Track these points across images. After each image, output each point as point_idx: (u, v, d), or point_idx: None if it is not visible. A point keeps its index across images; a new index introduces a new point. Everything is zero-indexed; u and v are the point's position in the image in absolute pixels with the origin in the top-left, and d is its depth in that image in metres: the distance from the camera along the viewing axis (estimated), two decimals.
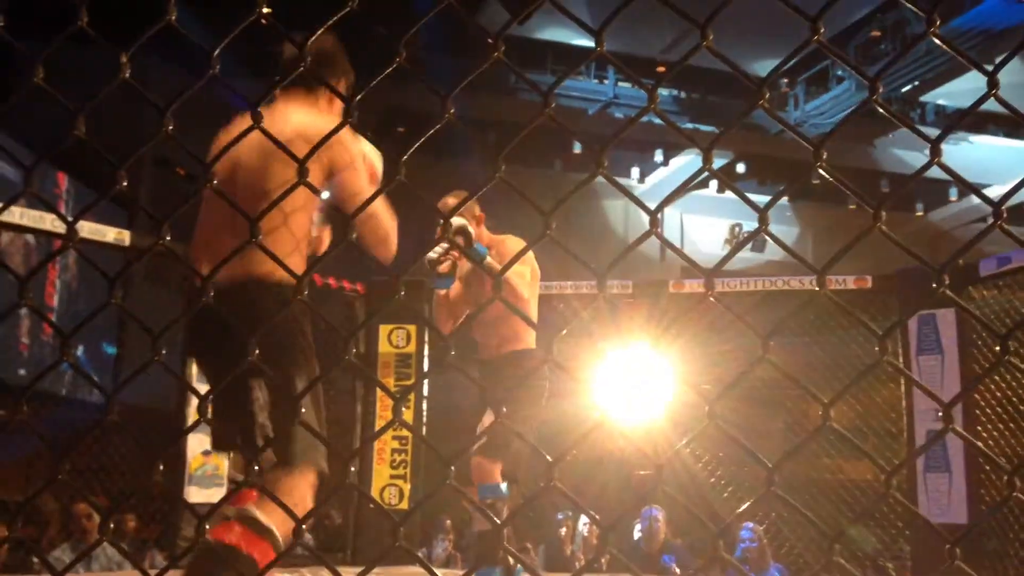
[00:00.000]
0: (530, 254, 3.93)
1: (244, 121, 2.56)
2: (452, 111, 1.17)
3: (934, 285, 1.00)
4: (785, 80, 14.92)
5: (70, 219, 1.21)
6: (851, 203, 14.65)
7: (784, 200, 14.85)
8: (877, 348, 0.99)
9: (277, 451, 2.26)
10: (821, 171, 1.05)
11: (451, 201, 3.79)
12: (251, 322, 2.24)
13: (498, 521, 3.62)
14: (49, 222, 5.69)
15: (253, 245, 2.47)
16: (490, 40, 1.10)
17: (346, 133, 2.45)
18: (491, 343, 3.97)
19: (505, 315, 3.79)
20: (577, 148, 14.10)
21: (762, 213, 1.08)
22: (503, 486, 3.75)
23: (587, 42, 12.77)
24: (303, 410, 2.28)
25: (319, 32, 1.26)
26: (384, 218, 2.53)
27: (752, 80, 0.99)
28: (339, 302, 7.07)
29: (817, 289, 1.06)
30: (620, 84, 14.77)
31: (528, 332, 3.96)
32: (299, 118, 2.52)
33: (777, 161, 14.33)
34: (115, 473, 6.13)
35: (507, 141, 1.22)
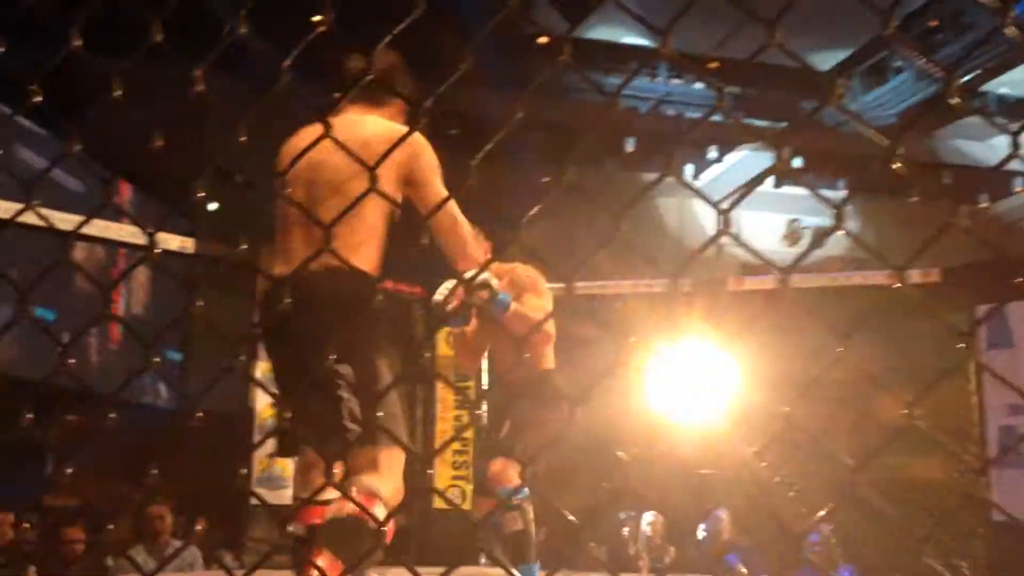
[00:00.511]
0: (542, 282, 4.05)
1: (314, 129, 2.66)
2: (520, 114, 1.18)
3: (1018, 279, 0.98)
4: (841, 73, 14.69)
5: (149, 231, 1.24)
6: (914, 196, 14.37)
7: (844, 194, 14.61)
8: (962, 345, 0.98)
9: (367, 431, 2.35)
10: (894, 167, 1.04)
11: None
12: (329, 310, 2.32)
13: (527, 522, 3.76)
14: (115, 232, 5.82)
15: (330, 244, 2.47)
16: (537, 40, 1.10)
17: (427, 145, 2.65)
18: (512, 366, 4.12)
19: (525, 340, 3.89)
20: (630, 146, 14.02)
21: (839, 209, 1.07)
22: (524, 489, 3.85)
23: (638, 40, 12.65)
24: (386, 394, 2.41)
25: (386, 40, 1.28)
26: (466, 227, 2.68)
27: (821, 77, 0.98)
28: (398, 306, 7.12)
29: (893, 285, 1.04)
30: (672, 81, 14.67)
31: (548, 354, 4.09)
32: (373, 124, 2.64)
33: (835, 155, 14.12)
34: (184, 475, 6.25)
35: (559, 142, 1.21)
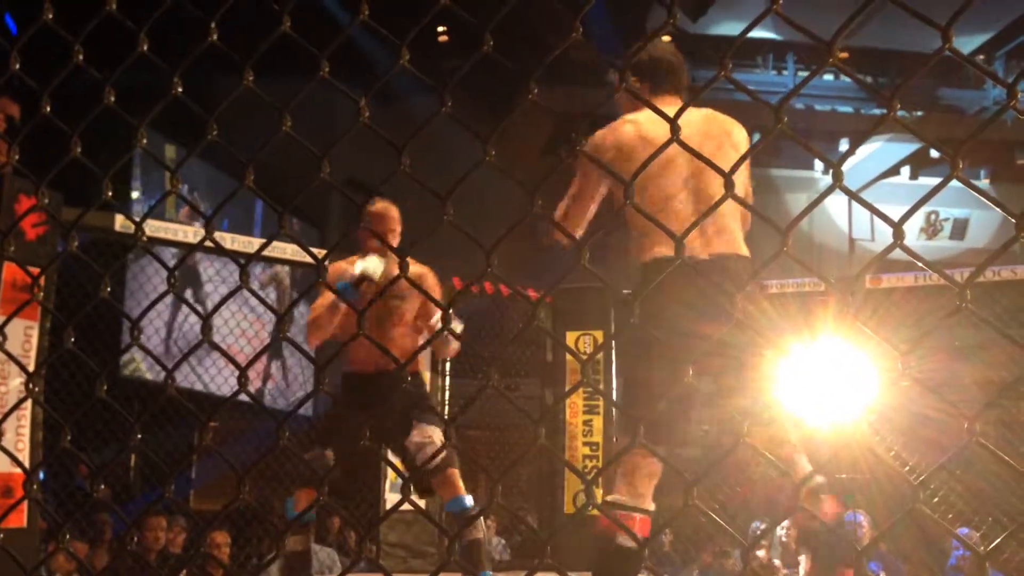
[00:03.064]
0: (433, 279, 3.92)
1: (637, 120, 2.76)
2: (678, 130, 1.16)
3: None
4: (982, 56, 14.03)
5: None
6: None
7: (986, 183, 13.94)
8: None
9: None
10: None
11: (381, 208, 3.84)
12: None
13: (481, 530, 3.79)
14: (290, 252, 6.23)
15: (727, 229, 2.68)
16: (668, 43, 1.07)
17: None
18: (380, 359, 3.73)
19: (407, 334, 3.83)
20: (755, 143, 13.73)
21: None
22: (468, 498, 3.70)
23: (763, 34, 12.35)
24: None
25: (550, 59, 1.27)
26: None
27: (988, 73, 0.92)
28: (523, 310, 7.16)
29: None
30: (800, 74, 14.30)
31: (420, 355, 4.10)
32: (715, 115, 2.85)
33: (977, 143, 13.51)
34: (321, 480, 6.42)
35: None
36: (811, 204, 1.05)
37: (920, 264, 0.95)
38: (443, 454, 3.61)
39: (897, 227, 0.93)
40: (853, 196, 1.00)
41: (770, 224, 1.00)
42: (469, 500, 3.69)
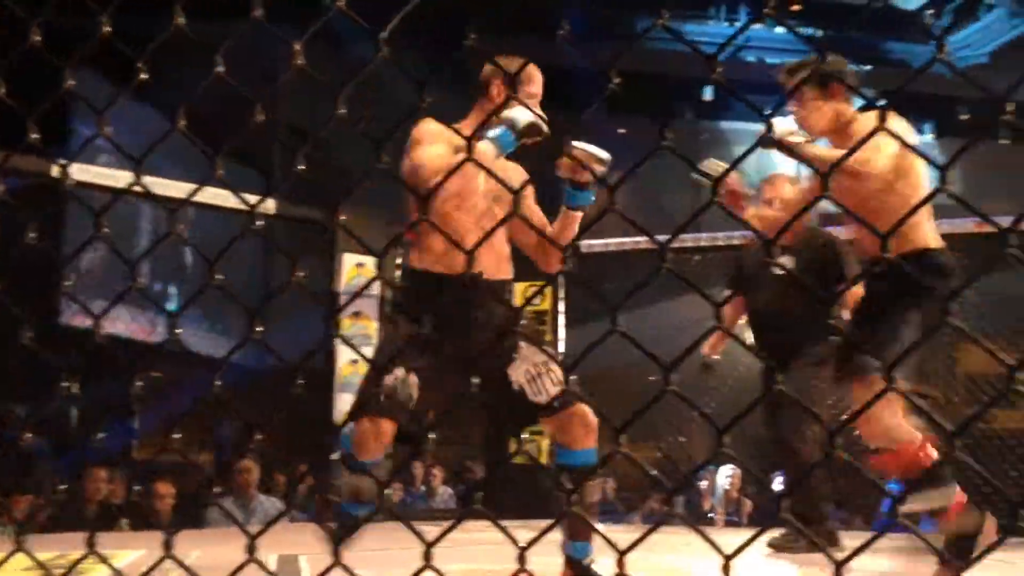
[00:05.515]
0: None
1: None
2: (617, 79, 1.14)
3: None
4: (930, 12, 14.15)
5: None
6: (1002, 138, 13.87)
7: (929, 138, 14.12)
8: None
9: None
10: (1006, 117, 0.96)
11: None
12: None
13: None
14: (233, 201, 6.05)
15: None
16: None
17: None
18: (477, 262, 2.87)
19: (503, 238, 3.01)
20: (708, 95, 13.73)
21: (943, 171, 0.99)
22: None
23: None
24: None
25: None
26: None
27: (919, 26, 0.90)
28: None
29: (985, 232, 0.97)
30: (753, 27, 14.34)
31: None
32: None
33: (920, 97, 13.66)
34: (270, 430, 6.41)
35: (627, 89, 1.15)
36: (741, 155, 1.03)
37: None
38: (562, 389, 2.78)
39: (824, 178, 0.91)
40: (781, 148, 0.98)
41: (704, 176, 0.98)
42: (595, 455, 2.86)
